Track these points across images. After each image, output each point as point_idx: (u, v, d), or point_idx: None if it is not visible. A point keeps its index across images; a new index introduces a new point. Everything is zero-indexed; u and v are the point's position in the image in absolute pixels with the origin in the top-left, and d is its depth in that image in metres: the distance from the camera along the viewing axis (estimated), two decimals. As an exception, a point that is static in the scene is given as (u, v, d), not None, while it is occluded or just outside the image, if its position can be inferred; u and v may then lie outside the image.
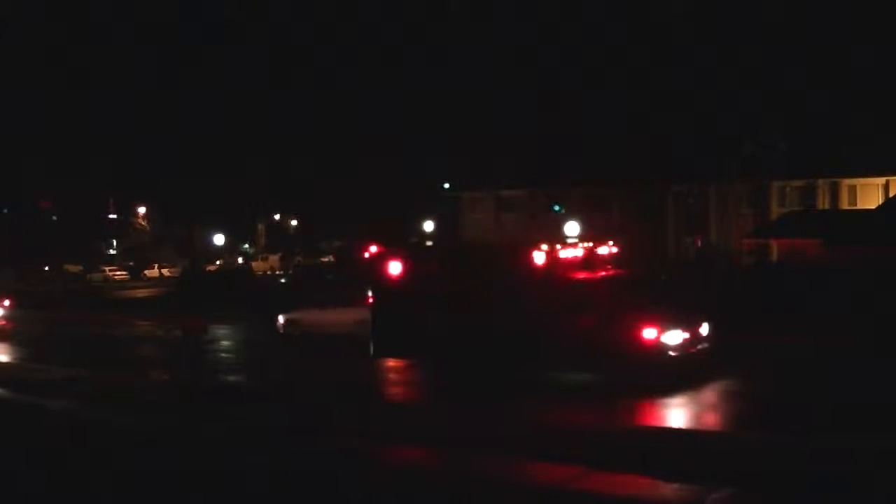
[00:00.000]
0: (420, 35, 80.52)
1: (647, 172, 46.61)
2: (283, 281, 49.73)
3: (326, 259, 79.14)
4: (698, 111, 44.68)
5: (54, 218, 76.82)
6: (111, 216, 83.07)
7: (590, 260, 17.56)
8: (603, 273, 17.26)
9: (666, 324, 15.44)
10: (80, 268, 76.21)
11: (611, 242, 18.71)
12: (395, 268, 17.71)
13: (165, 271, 74.01)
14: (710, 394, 15.55)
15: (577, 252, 17.39)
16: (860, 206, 43.69)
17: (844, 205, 45.40)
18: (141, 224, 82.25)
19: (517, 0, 59.47)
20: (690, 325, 15.99)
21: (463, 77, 75.13)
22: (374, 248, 18.60)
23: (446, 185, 65.92)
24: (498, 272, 16.92)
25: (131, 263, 79.79)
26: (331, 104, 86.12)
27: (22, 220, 70.62)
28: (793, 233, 39.30)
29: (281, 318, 23.22)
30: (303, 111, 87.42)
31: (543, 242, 17.09)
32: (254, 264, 72.67)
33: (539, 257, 16.50)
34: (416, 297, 17.31)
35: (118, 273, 75.21)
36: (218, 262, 76.55)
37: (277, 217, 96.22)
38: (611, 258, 18.31)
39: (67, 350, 25.19)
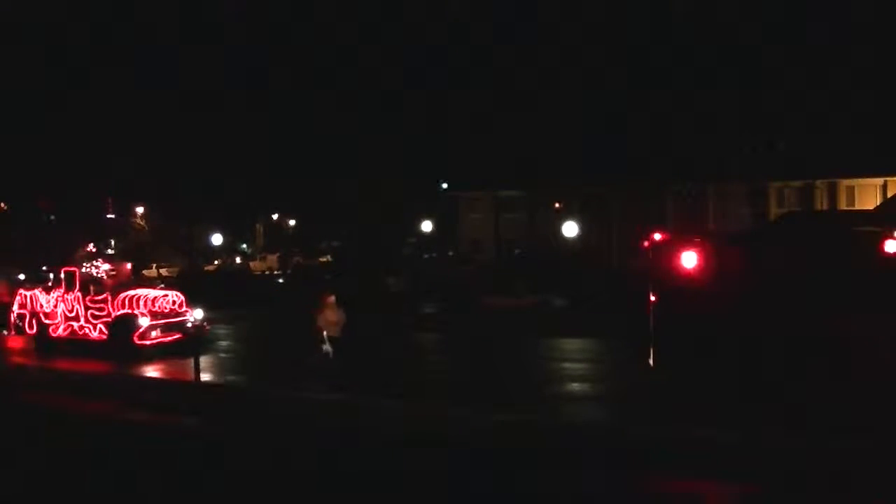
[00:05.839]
0: (420, 35, 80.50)
1: (645, 172, 46.68)
2: (280, 281, 49.58)
3: (325, 259, 79.09)
4: (698, 111, 44.76)
5: (52, 217, 76.66)
6: (109, 216, 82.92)
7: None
8: None
9: None
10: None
11: None
12: (689, 260, 14.27)
13: (164, 271, 73.90)
14: None
15: None
16: (858, 206, 43.71)
17: (843, 205, 45.44)
18: (139, 224, 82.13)
19: (517, 0, 59.59)
20: None
21: (461, 76, 75.16)
22: (658, 236, 14.97)
23: (444, 185, 65.97)
24: (835, 265, 13.36)
25: (130, 264, 79.67)
26: (329, 104, 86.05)
27: (21, 219, 70.51)
28: (791, 233, 39.24)
29: None
30: (301, 111, 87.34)
31: None
32: (252, 264, 72.58)
33: (892, 246, 13.03)
34: (719, 297, 13.93)
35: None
36: (216, 262, 76.50)
37: (276, 217, 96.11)
38: None
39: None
